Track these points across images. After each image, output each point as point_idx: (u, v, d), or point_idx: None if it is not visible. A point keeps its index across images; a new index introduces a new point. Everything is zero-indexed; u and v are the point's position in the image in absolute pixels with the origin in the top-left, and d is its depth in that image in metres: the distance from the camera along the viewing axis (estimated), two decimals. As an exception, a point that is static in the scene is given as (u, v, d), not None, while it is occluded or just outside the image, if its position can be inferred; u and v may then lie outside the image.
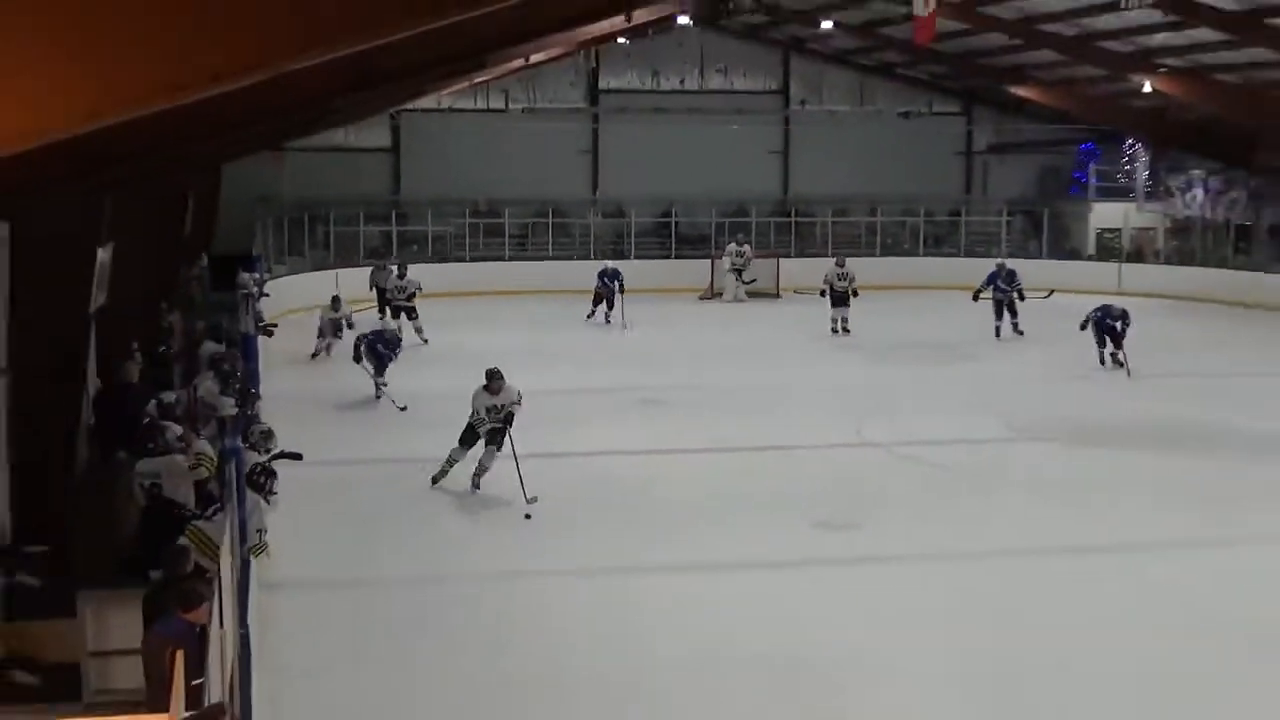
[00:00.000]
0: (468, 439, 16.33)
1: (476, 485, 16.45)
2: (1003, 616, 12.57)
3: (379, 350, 22.63)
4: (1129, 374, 24.63)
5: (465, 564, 14.24)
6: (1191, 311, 32.57)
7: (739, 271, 37.56)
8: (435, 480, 16.57)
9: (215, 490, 11.86)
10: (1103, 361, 25.52)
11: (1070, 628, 12.19)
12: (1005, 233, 43.26)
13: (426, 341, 28.24)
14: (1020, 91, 42.69)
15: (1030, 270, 31.88)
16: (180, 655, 6.12)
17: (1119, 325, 25.04)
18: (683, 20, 35.83)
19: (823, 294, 30.80)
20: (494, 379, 16.34)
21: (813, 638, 11.81)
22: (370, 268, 32.75)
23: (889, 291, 32.40)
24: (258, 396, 17.76)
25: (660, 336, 29.52)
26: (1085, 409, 22.40)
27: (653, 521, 15.48)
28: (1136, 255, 41.14)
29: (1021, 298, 29.76)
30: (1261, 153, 40.35)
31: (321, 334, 26.78)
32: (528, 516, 15.16)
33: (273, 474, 13.54)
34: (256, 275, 29.42)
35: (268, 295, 28.80)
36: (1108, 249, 41.35)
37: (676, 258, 40.17)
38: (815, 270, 38.21)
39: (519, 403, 16.30)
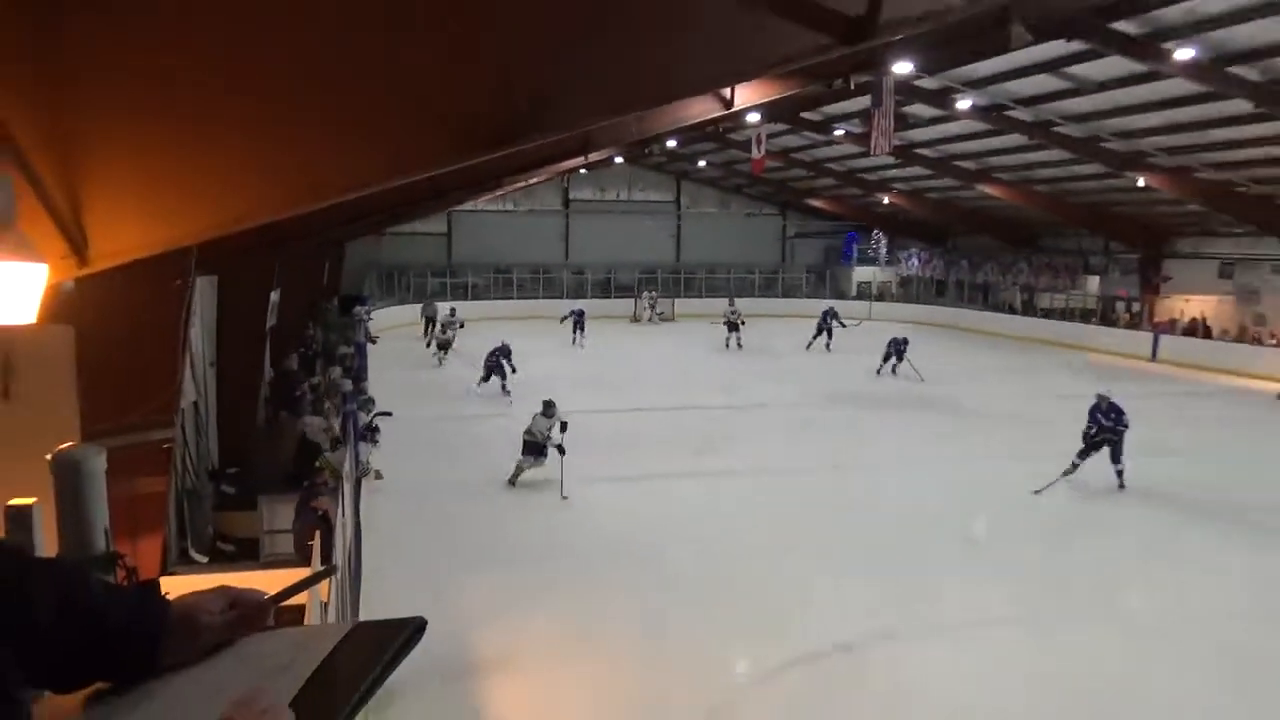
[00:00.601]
0: (530, 450, 13.40)
1: (513, 483, 13.46)
2: (802, 502, 12.73)
3: (503, 364, 20.59)
4: (921, 379, 22.97)
5: (503, 474, 14.05)
6: (913, 330, 32.87)
7: (652, 307, 38.02)
8: (512, 482, 13.43)
9: (339, 436, 11.74)
10: (893, 372, 23.90)
11: (847, 505, 12.44)
12: (805, 284, 43.59)
13: (440, 363, 25.38)
14: (813, 202, 43.14)
15: (844, 307, 32.16)
16: (316, 533, 5.98)
17: (903, 347, 24.07)
18: (618, 159, 35.91)
19: (724, 323, 30.22)
20: (550, 407, 13.53)
21: (690, 520, 11.89)
22: (422, 304, 32.78)
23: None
24: (365, 378, 17.60)
25: (604, 344, 29.31)
26: (853, 386, 22.50)
27: (601, 451, 15.43)
28: (880, 297, 41.43)
29: (842, 325, 29.19)
30: (950, 238, 41.11)
31: (440, 347, 25.71)
32: (564, 497, 12.72)
33: (377, 429, 13.41)
34: (367, 307, 29.23)
35: (372, 319, 28.63)
36: (864, 293, 41.68)
37: (614, 298, 40.00)
38: (696, 306, 38.98)
39: (564, 421, 13.51)
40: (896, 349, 24.19)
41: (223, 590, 1.24)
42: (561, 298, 38.44)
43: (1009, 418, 18.87)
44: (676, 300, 39.90)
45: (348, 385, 15.05)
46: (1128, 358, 28.02)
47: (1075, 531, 11.81)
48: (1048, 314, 34.39)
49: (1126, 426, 13.40)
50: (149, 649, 1.17)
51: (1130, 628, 8.83)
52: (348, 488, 8.45)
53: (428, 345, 25.97)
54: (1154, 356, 27.80)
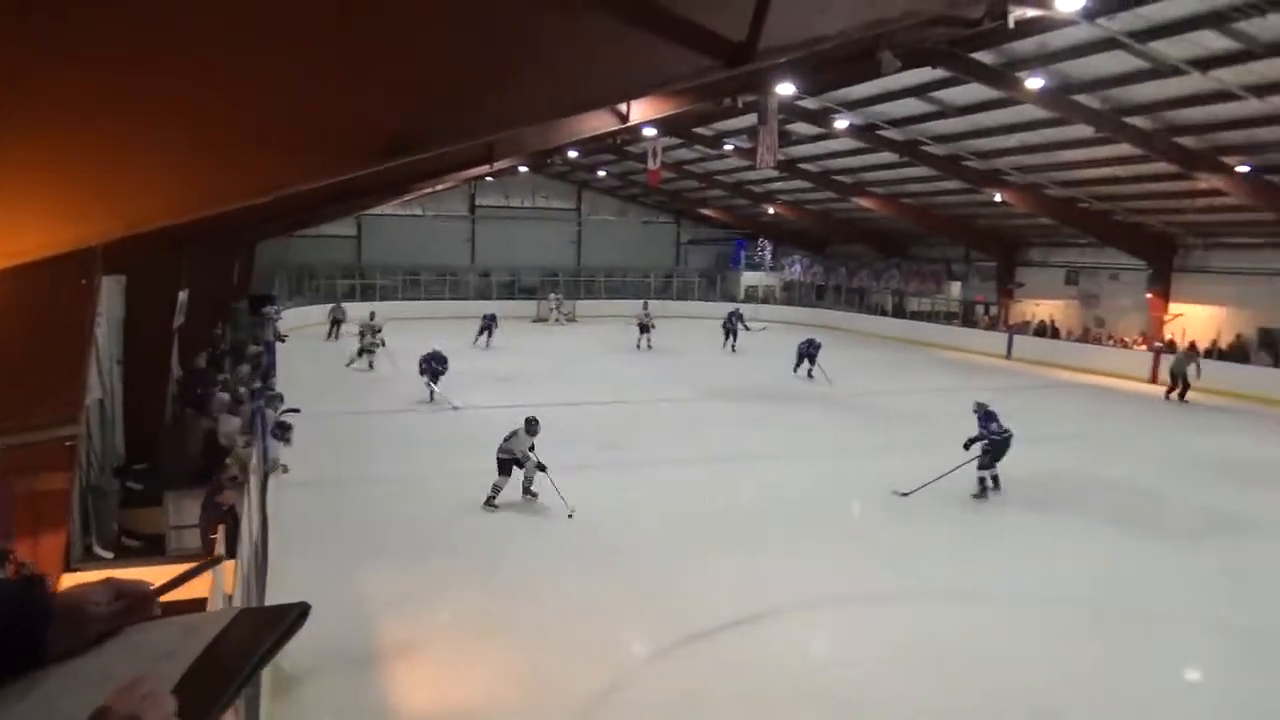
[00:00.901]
0: (506, 469, 11.96)
1: (534, 493, 12.06)
2: (702, 491, 12.80)
3: (434, 367, 19.33)
4: (830, 381, 22.34)
5: (411, 468, 13.81)
6: (797, 331, 33.50)
7: (558, 307, 37.80)
8: (491, 504, 11.81)
9: (248, 432, 11.37)
10: (809, 375, 23.18)
11: (744, 492, 12.56)
12: (697, 288, 43.96)
13: (364, 364, 23.91)
14: (705, 211, 43.61)
15: (745, 311, 32.14)
16: (220, 527, 5.79)
17: (813, 351, 23.57)
18: (522, 168, 35.61)
19: (637, 324, 29.88)
20: (533, 424, 12.09)
21: (594, 503, 11.76)
22: (331, 306, 31.46)
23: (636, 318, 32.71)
24: (273, 376, 17.12)
25: (511, 344, 28.86)
26: (739, 381, 22.81)
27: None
28: (765, 299, 42.09)
29: (746, 328, 29.46)
30: (829, 246, 42.00)
31: (362, 352, 23.90)
32: (570, 516, 11.38)
33: (289, 427, 13.01)
34: (275, 307, 28.41)
35: (282, 319, 27.87)
36: (751, 296, 42.26)
37: (519, 299, 39.64)
38: (597, 308, 38.87)
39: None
40: (809, 352, 23.74)
41: (109, 582, 1.22)
42: (468, 300, 38.08)
43: (884, 412, 19.40)
44: (578, 302, 39.80)
45: (256, 382, 14.60)
46: (987, 355, 29.18)
47: (949, 516, 11.99)
48: (916, 316, 35.40)
49: (998, 435, 12.58)
50: (34, 641, 1.14)
51: (1002, 604, 9.10)
52: (254, 482, 8.19)
53: (363, 351, 24.12)
54: (1009, 355, 28.99)
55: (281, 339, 25.15)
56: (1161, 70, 16.47)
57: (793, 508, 12.16)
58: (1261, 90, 16.21)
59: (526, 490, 12.06)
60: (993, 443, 12.57)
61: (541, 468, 11.96)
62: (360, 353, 23.92)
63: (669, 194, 41.71)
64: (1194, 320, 25.57)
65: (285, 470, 12.72)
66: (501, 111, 3.25)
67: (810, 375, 23.30)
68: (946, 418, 16.29)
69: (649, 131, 23.99)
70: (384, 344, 23.83)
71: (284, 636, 1.10)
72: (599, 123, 13.06)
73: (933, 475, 12.54)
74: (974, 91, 19.85)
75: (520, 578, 9.47)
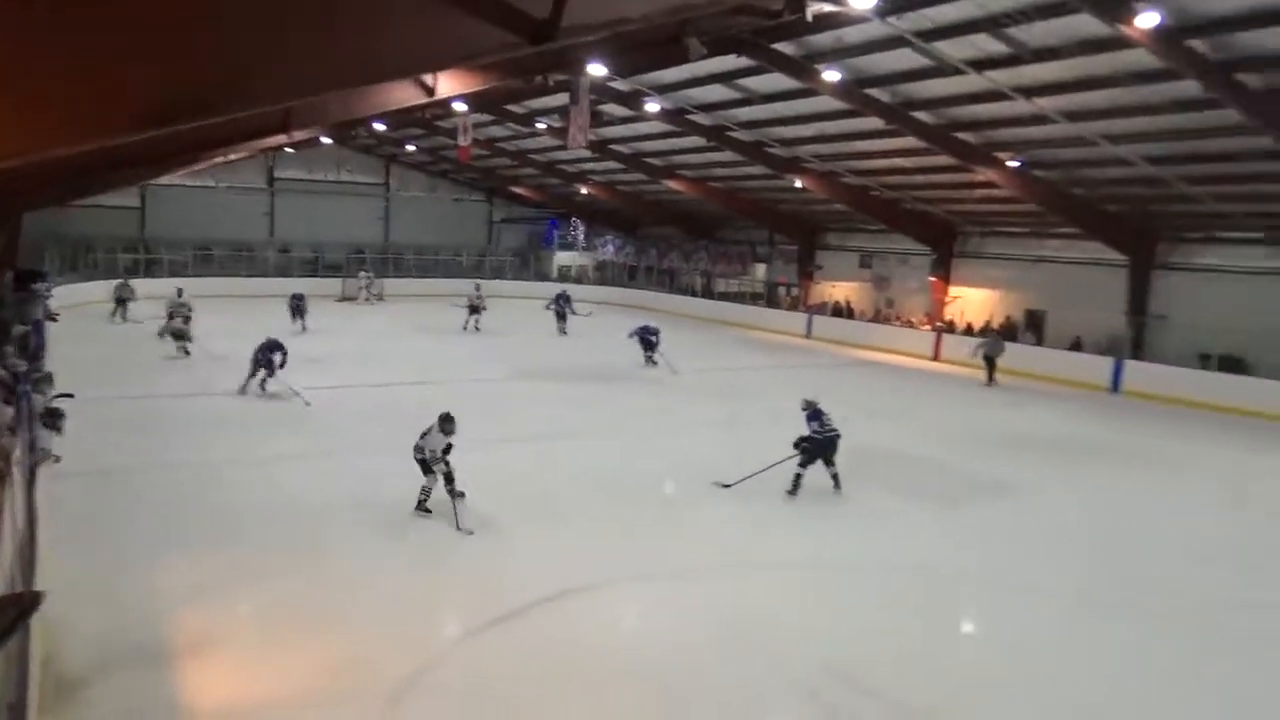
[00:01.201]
0: (428, 470, 10.48)
1: (460, 493, 10.38)
2: (518, 471, 12.55)
3: (269, 357, 17.24)
4: (674, 371, 21.40)
5: (211, 455, 12.96)
6: (609, 310, 33.93)
7: (367, 287, 36.51)
8: (422, 508, 10.53)
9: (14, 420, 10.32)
10: (653, 363, 22.12)
11: (563, 471, 12.54)
12: (509, 267, 43.66)
13: (179, 350, 21.66)
14: (518, 190, 43.36)
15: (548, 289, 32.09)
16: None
17: (653, 338, 22.39)
18: (325, 140, 34.12)
19: (466, 305, 28.86)
20: (448, 422, 10.51)
21: (411, 488, 11.44)
22: (116, 283, 28.68)
23: (448, 297, 32.06)
24: (43, 357, 15.70)
25: (318, 324, 27.05)
26: (568, 362, 22.79)
27: (330, 429, 14.75)
28: (578, 279, 42.16)
29: (574, 312, 29.01)
30: (640, 227, 42.72)
31: (176, 336, 21.67)
32: (470, 532, 10.04)
33: (60, 414, 11.89)
34: (46, 284, 25.97)
35: (53, 296, 25.55)
36: (564, 276, 42.30)
37: (322, 276, 37.81)
38: (407, 287, 37.84)
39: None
40: (647, 338, 22.66)
41: None
42: (267, 277, 36.15)
43: (703, 390, 19.79)
44: (387, 281, 38.45)
45: (21, 365, 13.30)
46: (789, 335, 30.55)
47: (772, 495, 11.94)
48: (724, 297, 36.47)
49: (819, 434, 11.98)
50: None
51: (820, 577, 9.48)
52: (18, 474, 7.48)
53: (177, 336, 21.88)
54: (809, 334, 30.49)
55: (53, 318, 22.99)
56: (944, 69, 17.72)
57: (614, 487, 12.22)
58: (1030, 92, 17.74)
59: (451, 493, 10.43)
60: (814, 442, 11.99)
61: (449, 479, 10.41)
62: (175, 336, 21.79)
63: (481, 171, 41.14)
64: (971, 302, 27.76)
65: (57, 460, 11.65)
66: (292, 78, 3.11)
67: (654, 363, 22.36)
68: (762, 395, 16.76)
69: (459, 106, 23.58)
70: (188, 335, 21.86)
71: (10, 628, 1.04)
72: (404, 95, 12.68)
73: (755, 464, 12.31)
74: (776, 81, 20.67)
75: (332, 566, 9.12)
